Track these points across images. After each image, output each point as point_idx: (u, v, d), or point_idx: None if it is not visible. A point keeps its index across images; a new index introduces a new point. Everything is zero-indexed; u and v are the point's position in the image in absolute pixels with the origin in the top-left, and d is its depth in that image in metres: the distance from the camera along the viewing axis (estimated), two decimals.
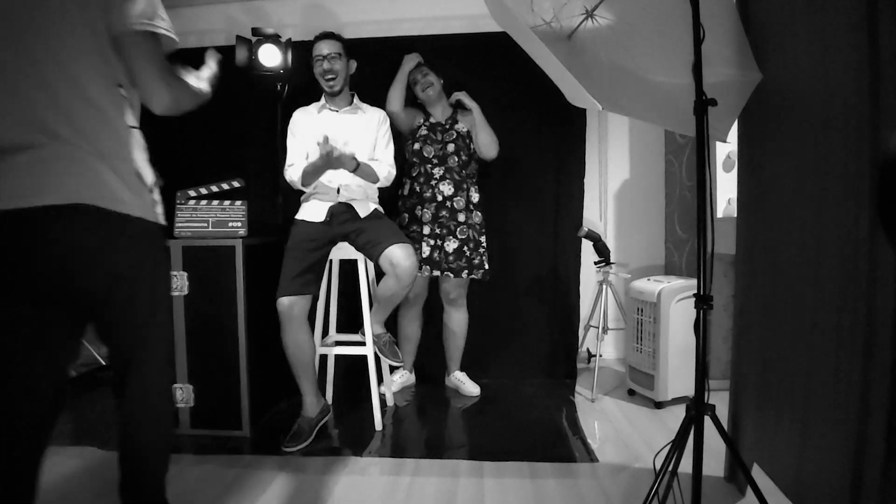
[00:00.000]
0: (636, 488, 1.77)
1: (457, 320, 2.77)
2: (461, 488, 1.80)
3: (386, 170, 2.36)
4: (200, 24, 3.38)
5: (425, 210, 2.63)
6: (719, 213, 2.61)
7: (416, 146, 2.67)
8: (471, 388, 2.79)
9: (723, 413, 1.56)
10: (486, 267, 2.69)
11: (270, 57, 2.72)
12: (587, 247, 2.97)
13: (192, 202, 2.31)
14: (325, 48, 2.30)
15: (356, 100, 2.41)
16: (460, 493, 1.77)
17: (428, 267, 2.60)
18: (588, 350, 3.28)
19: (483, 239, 2.70)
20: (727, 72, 1.55)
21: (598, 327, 2.82)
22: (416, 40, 3.11)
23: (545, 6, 1.57)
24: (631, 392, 2.73)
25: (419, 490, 1.80)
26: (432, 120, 2.75)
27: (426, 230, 2.62)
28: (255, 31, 2.75)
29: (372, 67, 3.20)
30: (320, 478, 1.88)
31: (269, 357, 2.49)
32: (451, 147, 2.66)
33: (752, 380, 1.69)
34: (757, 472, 1.53)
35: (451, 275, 2.62)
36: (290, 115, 2.44)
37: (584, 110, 3.00)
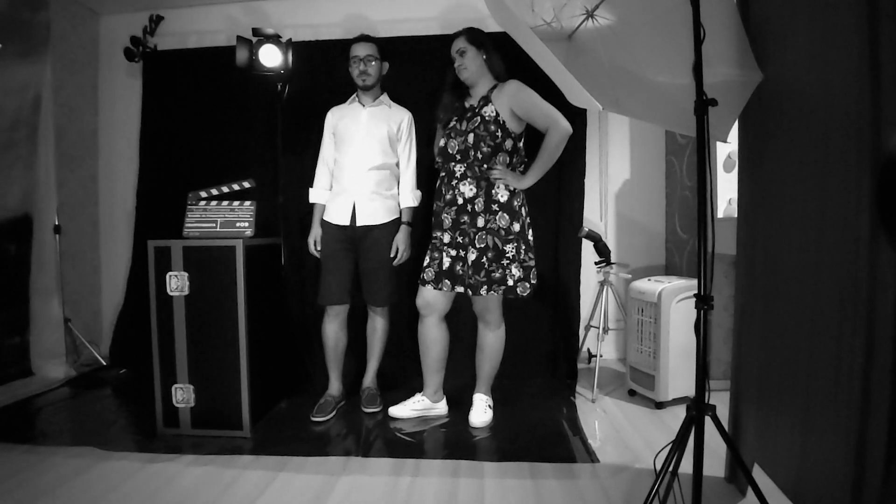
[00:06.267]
0: (637, 489, 1.76)
1: (486, 341, 2.40)
2: (461, 488, 1.80)
3: (410, 197, 2.56)
4: (200, 24, 3.38)
5: (446, 215, 2.29)
6: (720, 214, 2.60)
7: (442, 142, 2.32)
8: (475, 417, 2.35)
9: (723, 413, 1.56)
10: (511, 283, 2.21)
11: (271, 57, 2.72)
12: (587, 247, 2.97)
13: (202, 203, 2.33)
14: (361, 51, 2.46)
15: (384, 97, 2.56)
16: (460, 493, 1.77)
17: (448, 281, 2.27)
18: (588, 350, 3.28)
19: (510, 248, 2.20)
20: (728, 72, 1.55)
21: (598, 327, 2.82)
22: (416, 40, 3.12)
23: (546, 6, 1.57)
24: (631, 392, 2.73)
25: (419, 490, 1.79)
26: (467, 104, 2.35)
27: (446, 238, 2.28)
28: (255, 32, 2.75)
29: None
30: (320, 478, 1.88)
31: (270, 357, 2.50)
32: (471, 138, 2.21)
33: (752, 380, 1.69)
34: (758, 473, 1.53)
35: (470, 291, 2.24)
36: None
37: (585, 110, 3.00)
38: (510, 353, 3.04)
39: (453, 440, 2.22)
